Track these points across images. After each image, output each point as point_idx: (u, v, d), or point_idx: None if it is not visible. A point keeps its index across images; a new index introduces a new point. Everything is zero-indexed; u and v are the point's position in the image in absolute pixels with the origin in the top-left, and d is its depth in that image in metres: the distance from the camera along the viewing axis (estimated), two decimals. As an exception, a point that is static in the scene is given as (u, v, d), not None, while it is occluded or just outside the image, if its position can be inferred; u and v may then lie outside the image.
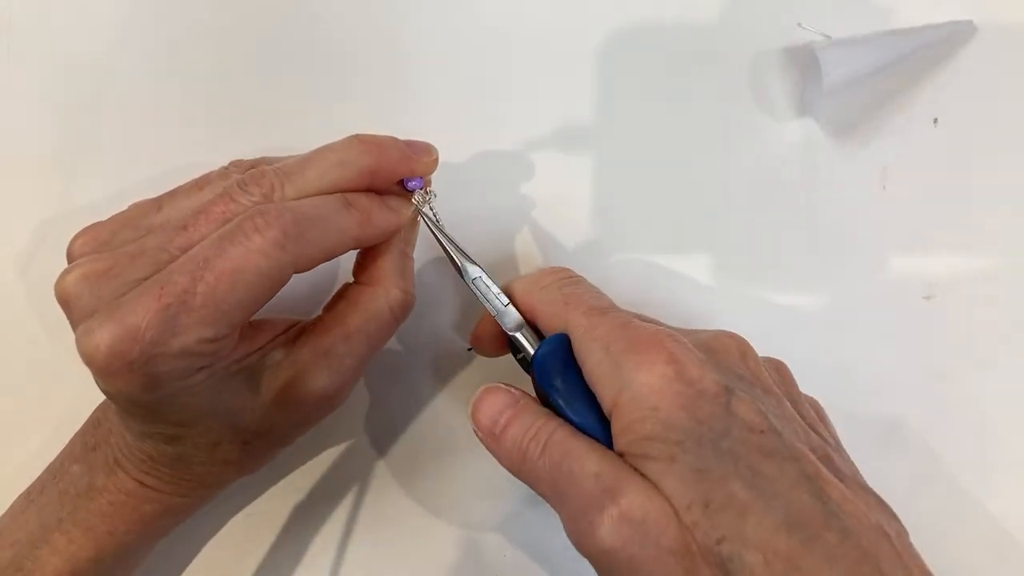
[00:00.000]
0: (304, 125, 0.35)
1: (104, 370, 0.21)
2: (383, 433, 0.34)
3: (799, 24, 0.36)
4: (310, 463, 0.33)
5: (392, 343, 0.34)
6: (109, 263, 0.23)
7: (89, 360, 0.21)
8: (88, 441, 0.28)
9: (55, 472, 0.28)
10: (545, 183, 0.35)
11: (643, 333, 0.24)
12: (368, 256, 0.28)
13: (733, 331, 0.26)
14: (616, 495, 0.22)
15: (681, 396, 0.22)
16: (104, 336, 0.21)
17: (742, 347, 0.25)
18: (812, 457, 0.22)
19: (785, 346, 0.33)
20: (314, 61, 0.36)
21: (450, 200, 0.34)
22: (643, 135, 0.36)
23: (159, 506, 0.27)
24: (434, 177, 0.31)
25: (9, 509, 0.28)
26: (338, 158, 0.26)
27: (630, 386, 0.23)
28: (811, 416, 0.26)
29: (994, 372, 0.33)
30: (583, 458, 0.23)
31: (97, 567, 0.26)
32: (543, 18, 0.36)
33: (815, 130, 0.35)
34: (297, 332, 0.27)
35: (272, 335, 0.27)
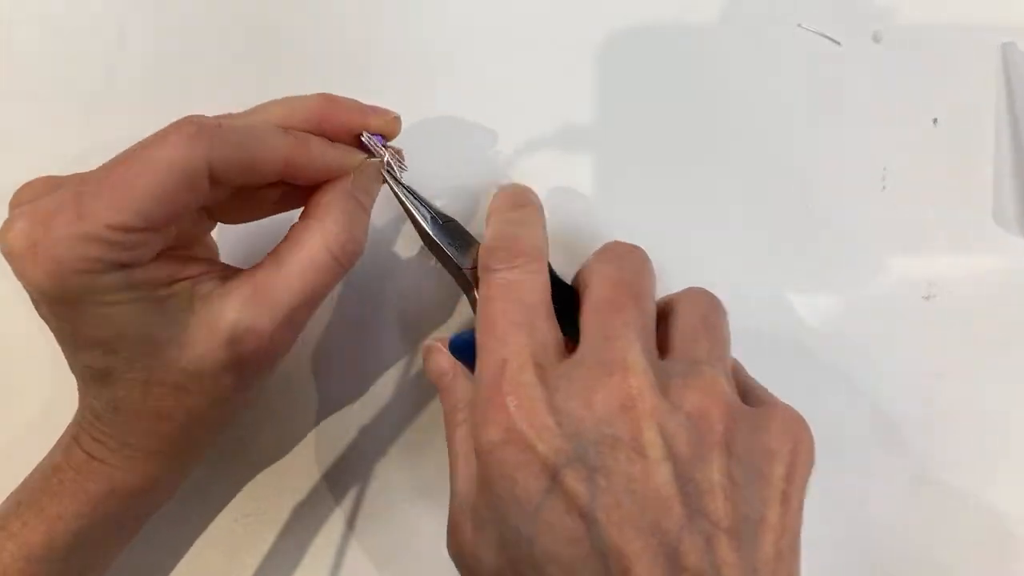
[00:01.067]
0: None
1: (14, 255, 0.22)
2: (382, 432, 0.34)
3: (799, 24, 0.36)
4: (309, 463, 0.33)
5: (394, 341, 0.34)
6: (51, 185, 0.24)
7: (5, 250, 0.22)
8: (66, 431, 0.28)
9: (40, 462, 0.28)
10: (544, 183, 0.35)
11: (491, 383, 0.23)
12: (314, 191, 0.27)
13: (628, 371, 0.22)
14: (452, 531, 0.25)
15: (506, 465, 0.22)
16: (20, 224, 0.22)
17: (627, 398, 0.22)
18: (632, 550, 0.20)
19: (784, 346, 0.33)
20: (315, 61, 0.36)
21: (449, 199, 0.34)
22: (643, 135, 0.35)
23: (105, 485, 0.26)
24: (435, 177, 0.31)
25: None
26: (289, 102, 0.27)
27: (475, 438, 0.24)
28: (714, 479, 0.21)
29: (994, 372, 0.33)
30: (454, 463, 0.26)
31: (50, 554, 0.26)
32: (544, 17, 0.36)
33: (822, 136, 0.35)
34: (236, 271, 0.27)
35: (208, 268, 0.26)
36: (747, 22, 0.36)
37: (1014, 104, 0.35)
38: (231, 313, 0.25)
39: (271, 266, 0.26)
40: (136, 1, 0.36)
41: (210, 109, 0.36)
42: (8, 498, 0.27)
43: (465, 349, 0.27)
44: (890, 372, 0.34)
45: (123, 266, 0.23)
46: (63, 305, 0.23)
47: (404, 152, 0.29)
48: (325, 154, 0.26)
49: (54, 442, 0.28)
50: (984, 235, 0.34)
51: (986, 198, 0.35)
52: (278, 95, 0.36)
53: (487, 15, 0.36)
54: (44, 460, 0.28)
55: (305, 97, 0.27)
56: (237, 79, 0.36)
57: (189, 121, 0.23)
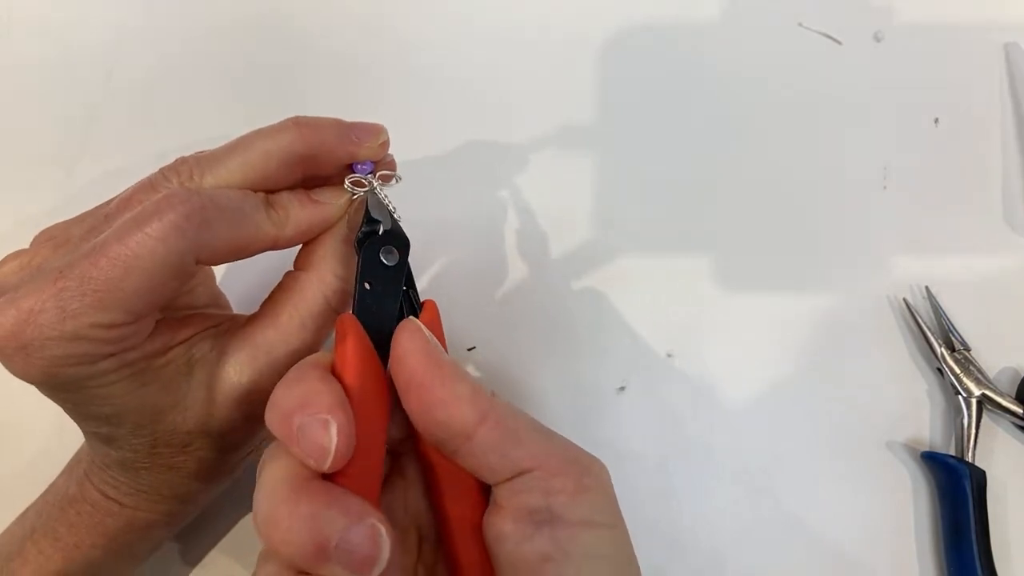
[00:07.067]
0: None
1: (3, 353, 0.21)
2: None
3: (799, 24, 0.36)
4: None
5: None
6: (35, 253, 0.23)
7: None
8: (77, 455, 0.28)
9: (49, 487, 0.28)
10: (544, 183, 0.35)
11: None
12: (309, 241, 0.26)
13: None
14: None
15: None
16: (4, 323, 0.21)
17: None
18: None
19: (783, 346, 0.33)
20: (314, 62, 0.36)
21: (449, 199, 0.34)
22: (643, 135, 0.35)
23: (122, 520, 0.26)
24: (434, 177, 0.31)
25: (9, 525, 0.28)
26: (265, 145, 0.24)
27: None
28: None
29: (993, 371, 0.33)
30: None
31: None
32: (544, 18, 0.36)
33: (823, 136, 0.35)
34: (230, 324, 0.26)
35: (201, 327, 0.25)
36: (748, 21, 0.36)
37: (1019, 105, 0.35)
38: (232, 375, 0.24)
39: (267, 320, 0.25)
40: (135, 2, 0.36)
41: (209, 109, 0.36)
42: (21, 521, 0.27)
43: None
44: (890, 371, 0.34)
45: (115, 354, 0.22)
46: (59, 392, 0.23)
47: (393, 159, 0.27)
48: (312, 217, 0.25)
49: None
50: (986, 235, 0.34)
51: (988, 198, 0.35)
52: (278, 95, 0.36)
53: (488, 16, 0.36)
54: (57, 485, 0.27)
55: (281, 134, 0.24)
56: (238, 79, 0.36)
57: (170, 204, 0.21)
